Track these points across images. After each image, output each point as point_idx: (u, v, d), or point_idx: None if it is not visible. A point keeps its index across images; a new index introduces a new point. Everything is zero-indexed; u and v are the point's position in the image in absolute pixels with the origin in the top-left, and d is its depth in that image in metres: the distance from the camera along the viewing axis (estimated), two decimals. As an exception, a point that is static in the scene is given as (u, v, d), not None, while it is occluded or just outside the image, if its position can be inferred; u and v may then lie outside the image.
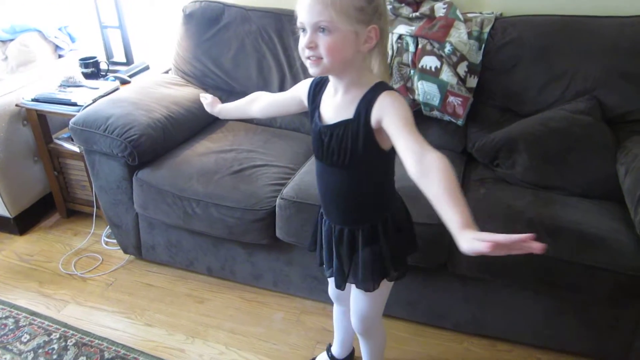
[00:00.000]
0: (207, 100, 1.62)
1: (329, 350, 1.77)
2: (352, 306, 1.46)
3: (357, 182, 1.23)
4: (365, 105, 1.11)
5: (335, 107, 1.18)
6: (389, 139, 1.12)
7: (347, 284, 1.38)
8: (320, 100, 1.23)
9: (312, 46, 1.07)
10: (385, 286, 1.37)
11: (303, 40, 1.09)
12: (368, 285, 1.32)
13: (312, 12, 1.04)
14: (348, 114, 1.14)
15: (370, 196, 1.25)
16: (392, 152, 1.16)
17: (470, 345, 1.88)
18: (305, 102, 1.29)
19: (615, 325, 1.69)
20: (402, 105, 1.09)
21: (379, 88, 1.12)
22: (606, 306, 1.68)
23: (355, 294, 1.42)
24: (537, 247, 0.82)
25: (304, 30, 1.09)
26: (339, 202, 1.27)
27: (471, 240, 0.87)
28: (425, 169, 0.99)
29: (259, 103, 1.48)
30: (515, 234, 0.82)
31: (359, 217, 1.27)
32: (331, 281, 1.53)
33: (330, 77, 1.19)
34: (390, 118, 1.07)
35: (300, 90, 1.32)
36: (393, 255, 1.30)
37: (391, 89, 1.13)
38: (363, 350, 1.62)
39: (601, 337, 1.73)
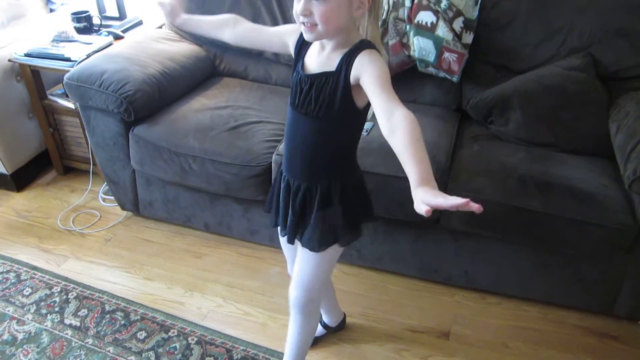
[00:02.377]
0: (167, 9, 1.49)
1: (320, 319, 1.77)
2: (296, 274, 1.40)
3: (326, 135, 1.23)
4: (347, 60, 1.13)
5: (320, 61, 1.19)
6: (364, 97, 1.15)
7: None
8: (305, 52, 1.24)
9: (306, 14, 1.08)
10: (332, 254, 1.36)
11: (297, 6, 1.09)
12: (314, 244, 1.30)
13: None
14: (330, 67, 1.15)
15: (334, 152, 1.26)
16: (365, 111, 1.20)
17: (461, 299, 1.93)
18: (290, 48, 1.29)
19: (600, 278, 1.74)
20: (379, 64, 1.11)
21: (361, 46, 1.14)
22: (592, 260, 1.73)
23: (300, 259, 1.38)
24: (475, 207, 0.85)
25: None
26: (304, 153, 1.27)
27: (418, 204, 0.90)
28: (392, 127, 1.01)
29: (235, 28, 1.42)
30: (452, 200, 0.86)
31: (319, 173, 1.27)
32: (289, 257, 1.54)
33: None
34: (368, 76, 1.09)
35: (289, 35, 1.30)
36: (346, 219, 1.30)
37: (373, 47, 1.15)
38: (290, 331, 1.50)
39: (587, 290, 1.78)
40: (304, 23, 1.10)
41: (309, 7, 1.07)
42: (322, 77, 1.16)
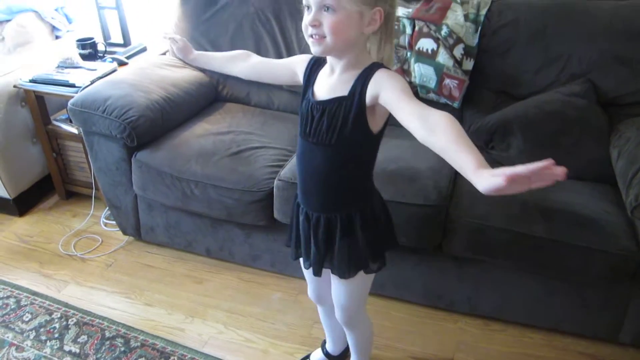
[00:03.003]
0: (178, 45, 1.53)
1: (323, 346, 1.76)
2: (333, 297, 1.43)
3: (341, 163, 1.21)
4: (361, 82, 1.11)
5: (331, 85, 1.17)
6: (379, 120, 1.14)
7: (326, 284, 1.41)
8: (315, 78, 1.23)
9: (315, 24, 1.07)
10: (365, 277, 1.35)
11: (307, 17, 1.08)
12: (343, 272, 1.31)
13: None
14: (343, 91, 1.14)
15: (350, 180, 1.24)
16: (378, 138, 1.18)
17: (464, 325, 1.92)
18: (300, 77, 1.28)
19: (605, 305, 1.72)
20: (399, 79, 1.10)
21: (375, 66, 1.13)
22: (597, 286, 1.71)
23: (335, 285, 1.39)
24: (559, 172, 0.78)
25: (308, 8, 1.08)
26: (319, 184, 1.25)
27: (489, 178, 0.84)
28: (431, 127, 0.98)
29: (245, 63, 1.44)
30: (532, 166, 0.78)
31: (337, 203, 1.25)
32: (309, 281, 1.52)
33: (329, 57, 1.18)
34: (389, 91, 1.07)
35: (296, 64, 1.31)
36: (370, 247, 1.29)
37: (386, 67, 1.14)
38: (349, 341, 1.60)
39: (592, 317, 1.76)
40: (312, 36, 1.09)
41: (319, 18, 1.06)
42: (335, 103, 1.14)
